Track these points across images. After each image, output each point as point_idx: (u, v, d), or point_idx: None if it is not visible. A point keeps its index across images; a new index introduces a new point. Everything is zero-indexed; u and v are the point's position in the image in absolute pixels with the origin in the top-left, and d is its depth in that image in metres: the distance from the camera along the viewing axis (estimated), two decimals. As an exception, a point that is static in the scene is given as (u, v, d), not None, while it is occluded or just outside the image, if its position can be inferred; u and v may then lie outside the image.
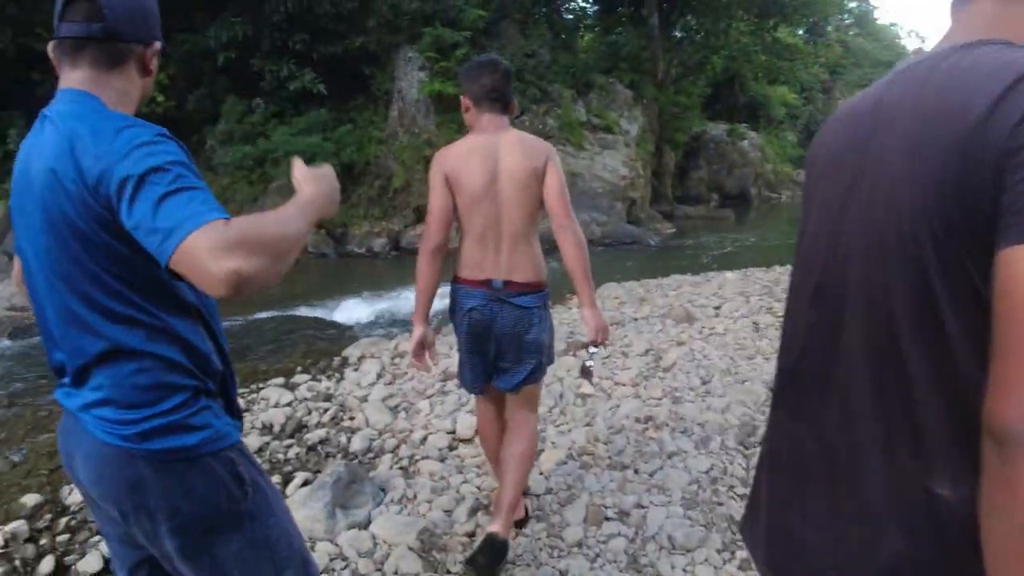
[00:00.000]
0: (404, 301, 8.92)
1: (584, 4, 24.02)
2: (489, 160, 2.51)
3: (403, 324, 7.80)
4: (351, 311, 8.61)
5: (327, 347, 6.83)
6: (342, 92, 14.89)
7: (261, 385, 5.56)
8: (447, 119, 14.72)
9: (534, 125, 15.46)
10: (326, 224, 13.57)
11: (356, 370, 5.66)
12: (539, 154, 2.53)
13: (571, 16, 23.95)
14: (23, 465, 4.47)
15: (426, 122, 14.64)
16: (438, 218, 2.59)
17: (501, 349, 2.63)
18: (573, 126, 16.14)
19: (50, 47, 1.39)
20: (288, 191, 1.96)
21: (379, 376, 5.31)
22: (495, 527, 2.59)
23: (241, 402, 5.08)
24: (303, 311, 8.96)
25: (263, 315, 8.90)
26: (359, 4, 14.02)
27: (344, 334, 7.54)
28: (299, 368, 6.01)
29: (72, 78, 1.36)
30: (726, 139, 25.88)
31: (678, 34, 23.55)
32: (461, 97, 2.66)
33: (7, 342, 8.07)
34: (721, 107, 28.64)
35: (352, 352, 6.22)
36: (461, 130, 14.84)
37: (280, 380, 5.64)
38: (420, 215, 13.94)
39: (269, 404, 5.00)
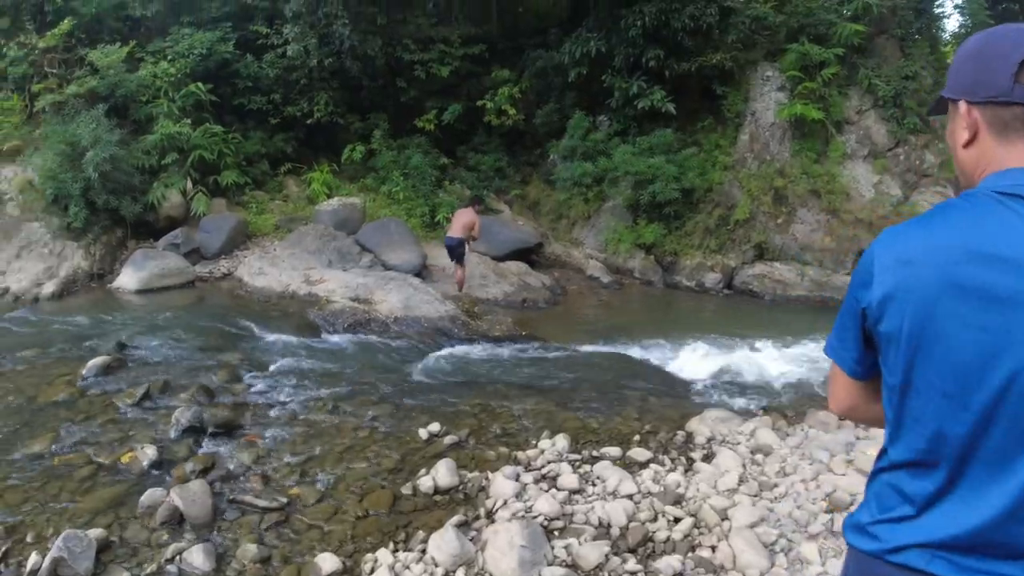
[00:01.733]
0: (748, 359, 7.67)
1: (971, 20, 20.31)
2: None
3: (753, 392, 6.59)
4: (687, 362, 7.57)
5: (665, 411, 5.89)
6: (689, 112, 13.91)
7: (595, 453, 4.77)
8: (805, 146, 13.03)
9: (910, 160, 13.07)
10: (656, 250, 12.75)
11: (709, 461, 4.61)
12: None
13: (951, 34, 20.46)
14: (328, 500, 4.15)
15: (780, 149, 13.08)
16: None
17: None
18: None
19: (968, 108, 1.28)
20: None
21: (741, 481, 4.20)
22: None
23: (574, 477, 4.35)
24: (632, 350, 8.14)
25: (587, 347, 8.24)
26: (719, 17, 12.94)
27: (683, 395, 6.53)
28: (636, 437, 5.14)
29: None
30: None
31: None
32: None
33: (343, 336, 8.25)
34: None
35: (699, 429, 5.20)
36: (820, 160, 13.01)
37: (616, 451, 4.81)
38: (761, 252, 12.46)
39: (606, 489, 4.17)
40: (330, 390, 6.24)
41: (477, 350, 7.68)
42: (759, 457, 4.60)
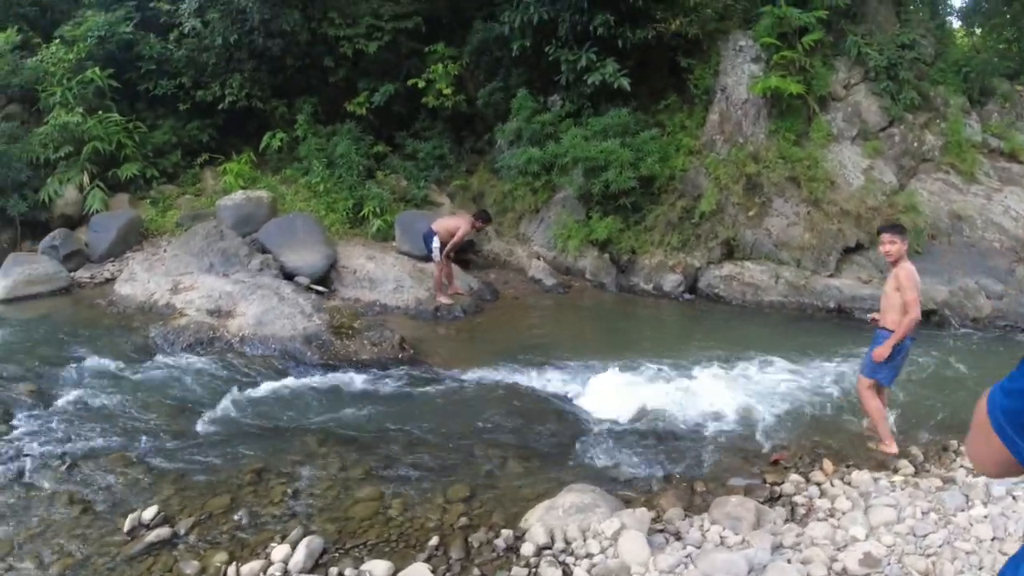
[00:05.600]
0: (679, 389, 5.98)
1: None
2: None
3: (663, 446, 4.89)
4: (600, 396, 5.80)
5: (516, 485, 4.20)
6: (651, 89, 12.17)
7: (348, 573, 3.11)
8: (783, 126, 11.22)
9: (906, 142, 11.23)
10: (612, 248, 11.02)
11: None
12: None
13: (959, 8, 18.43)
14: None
15: (754, 130, 11.29)
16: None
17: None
18: (962, 147, 11.49)
19: None
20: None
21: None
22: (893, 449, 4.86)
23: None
24: (537, 378, 6.45)
25: (481, 374, 6.55)
26: (681, -22, 11.20)
27: (564, 453, 4.84)
28: (434, 539, 3.45)
29: None
30: None
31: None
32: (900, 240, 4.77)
33: (177, 359, 6.61)
34: None
35: (535, 529, 3.49)
36: (800, 142, 11.09)
37: (383, 570, 3.14)
38: (730, 250, 10.72)
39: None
40: (90, 443, 4.68)
41: (325, 380, 6.00)
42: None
